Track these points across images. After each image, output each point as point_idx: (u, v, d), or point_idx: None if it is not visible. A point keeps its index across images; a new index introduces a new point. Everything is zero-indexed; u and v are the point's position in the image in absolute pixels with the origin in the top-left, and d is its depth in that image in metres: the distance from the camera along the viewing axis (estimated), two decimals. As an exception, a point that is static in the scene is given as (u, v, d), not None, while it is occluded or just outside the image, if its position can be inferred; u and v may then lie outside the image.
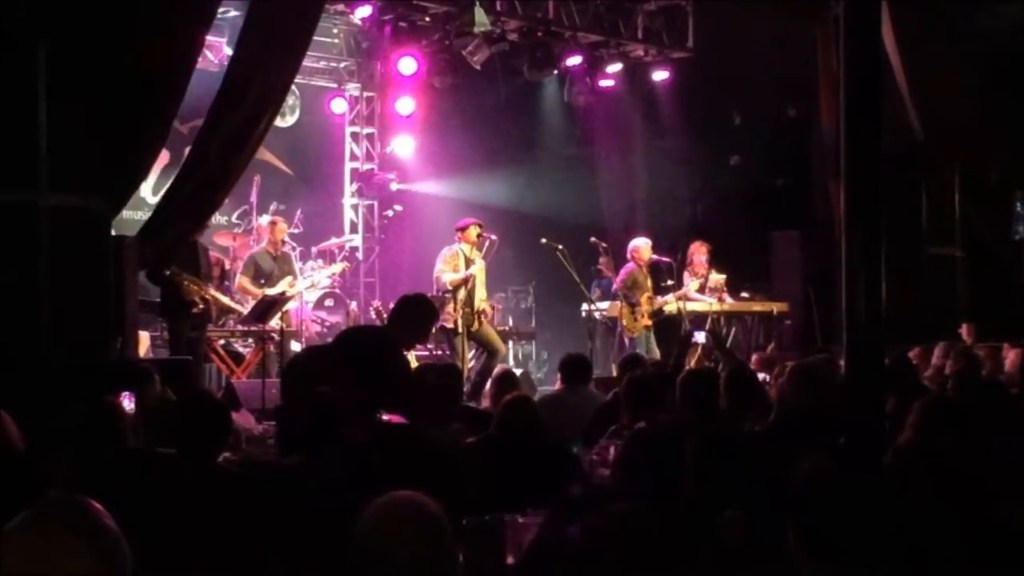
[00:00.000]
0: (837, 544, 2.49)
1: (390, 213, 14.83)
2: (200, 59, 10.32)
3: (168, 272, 9.81)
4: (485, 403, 8.51)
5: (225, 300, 11.04)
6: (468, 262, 11.23)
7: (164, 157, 11.49)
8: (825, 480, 2.57)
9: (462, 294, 11.15)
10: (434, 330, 11.80)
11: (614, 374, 8.88)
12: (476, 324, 11.37)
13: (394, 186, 15.08)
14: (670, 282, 12.57)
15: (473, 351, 11.63)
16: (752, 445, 4.53)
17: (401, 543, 2.42)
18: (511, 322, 13.93)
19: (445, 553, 2.48)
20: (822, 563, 2.49)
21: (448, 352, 11.85)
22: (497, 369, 8.37)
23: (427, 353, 12.02)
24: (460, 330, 11.16)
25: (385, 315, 11.70)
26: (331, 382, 6.20)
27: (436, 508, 2.50)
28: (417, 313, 7.12)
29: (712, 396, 6.27)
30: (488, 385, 8.15)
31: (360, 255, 15.12)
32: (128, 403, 6.79)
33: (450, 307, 11.18)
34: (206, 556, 3.99)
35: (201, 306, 10.40)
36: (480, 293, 11.42)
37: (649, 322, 12.22)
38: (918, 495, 4.19)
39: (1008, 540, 4.05)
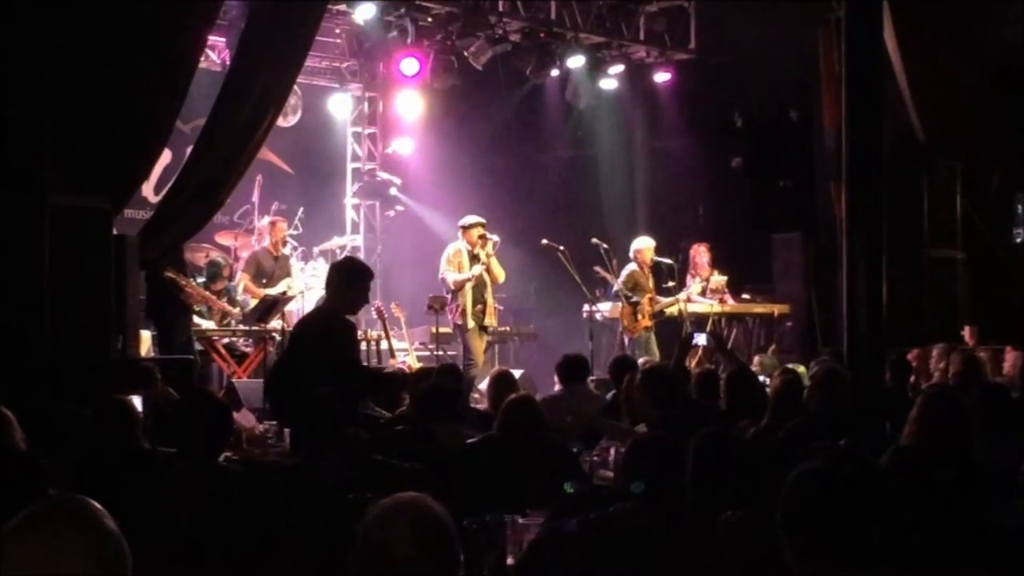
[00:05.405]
0: (833, 546, 2.48)
1: (392, 213, 14.82)
2: (203, 59, 10.34)
3: (167, 275, 9.79)
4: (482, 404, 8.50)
5: (222, 303, 11.05)
6: (472, 259, 11.22)
7: (166, 157, 11.49)
8: (821, 481, 2.56)
9: (471, 291, 11.15)
10: (439, 329, 11.90)
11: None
12: (491, 321, 11.36)
13: (393, 191, 15.03)
14: (671, 284, 12.55)
15: (487, 348, 11.64)
16: (752, 447, 4.52)
17: (404, 544, 2.42)
18: (512, 323, 13.91)
19: (448, 554, 2.48)
20: (817, 565, 2.48)
21: (448, 352, 11.84)
22: (495, 370, 8.33)
23: (428, 353, 12.02)
24: (471, 326, 11.15)
25: (386, 315, 11.72)
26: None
27: (439, 509, 2.50)
28: (351, 274, 7.16)
29: (673, 393, 6.31)
30: (485, 386, 8.14)
31: (362, 255, 15.11)
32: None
33: (459, 303, 11.16)
34: (208, 556, 4.00)
35: (197, 310, 10.37)
36: (490, 290, 11.38)
37: (650, 323, 12.20)
38: (918, 495, 4.19)
39: (1006, 542, 4.05)
